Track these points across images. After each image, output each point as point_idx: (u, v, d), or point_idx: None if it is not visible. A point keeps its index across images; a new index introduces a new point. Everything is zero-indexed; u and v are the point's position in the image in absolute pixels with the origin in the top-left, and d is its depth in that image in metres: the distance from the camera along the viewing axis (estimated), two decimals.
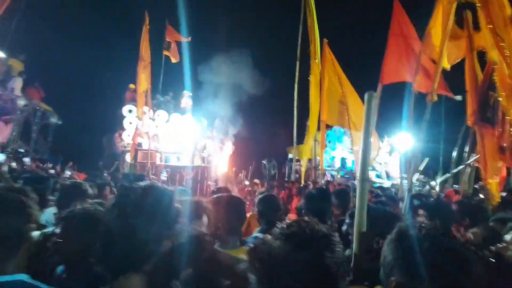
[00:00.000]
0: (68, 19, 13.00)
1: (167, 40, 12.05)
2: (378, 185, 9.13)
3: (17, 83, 9.61)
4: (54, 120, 11.27)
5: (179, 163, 10.36)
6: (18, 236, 1.05)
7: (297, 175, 12.43)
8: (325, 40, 7.16)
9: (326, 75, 7.19)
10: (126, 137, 10.73)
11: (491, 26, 2.97)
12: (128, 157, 9.76)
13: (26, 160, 7.36)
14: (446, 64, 4.31)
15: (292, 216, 3.34)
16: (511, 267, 1.24)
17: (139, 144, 9.40)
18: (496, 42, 2.94)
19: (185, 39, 12.02)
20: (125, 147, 10.67)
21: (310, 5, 7.47)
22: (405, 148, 6.78)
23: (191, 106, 12.40)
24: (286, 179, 11.01)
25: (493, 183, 3.23)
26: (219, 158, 11.68)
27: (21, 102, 9.46)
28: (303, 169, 11.36)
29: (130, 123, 11.08)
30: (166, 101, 12.33)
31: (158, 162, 9.74)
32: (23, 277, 1.02)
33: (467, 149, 5.58)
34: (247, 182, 9.09)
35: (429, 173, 10.88)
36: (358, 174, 1.49)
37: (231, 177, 10.61)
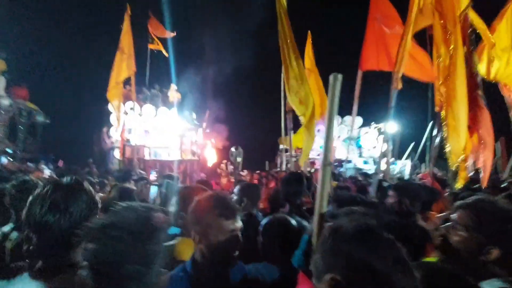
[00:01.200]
0: (50, 15, 12.69)
1: (152, 34, 11.89)
2: (363, 171, 9.28)
3: (0, 83, 9.49)
4: (41, 119, 11.17)
5: (168, 157, 10.39)
6: None
7: (289, 165, 12.53)
8: (309, 32, 7.08)
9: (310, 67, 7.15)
10: (114, 133, 10.70)
11: (442, 21, 3.07)
12: (117, 153, 9.77)
13: (4, 160, 7.33)
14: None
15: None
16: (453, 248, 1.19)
17: (128, 140, 9.39)
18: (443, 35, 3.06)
19: (169, 35, 11.86)
20: (113, 143, 10.66)
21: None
22: (390, 134, 6.87)
23: (179, 99, 12.35)
24: (278, 169, 11.12)
25: (462, 164, 3.33)
26: (209, 151, 11.73)
27: (5, 102, 9.35)
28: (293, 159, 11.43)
29: (116, 119, 11.01)
30: (153, 95, 12.27)
31: (147, 157, 9.76)
32: None
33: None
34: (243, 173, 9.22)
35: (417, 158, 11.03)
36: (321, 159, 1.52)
37: (221, 169, 10.69)
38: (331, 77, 1.49)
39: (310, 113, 4.36)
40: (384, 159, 5.41)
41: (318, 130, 13.83)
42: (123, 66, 6.86)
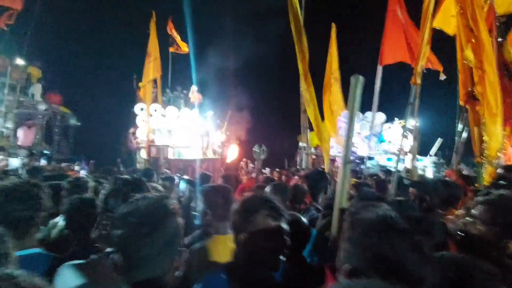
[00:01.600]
0: (81, 25, 13.55)
1: (172, 36, 12.25)
2: (385, 168, 9.05)
3: (37, 89, 10.26)
4: (73, 121, 11.95)
5: (191, 156, 10.74)
6: (27, 221, 1.30)
7: (309, 163, 12.47)
8: (333, 25, 6.94)
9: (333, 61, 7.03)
10: (140, 134, 11.21)
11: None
12: (143, 153, 10.24)
13: (44, 162, 7.95)
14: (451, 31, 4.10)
15: None
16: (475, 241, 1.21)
17: (152, 140, 9.83)
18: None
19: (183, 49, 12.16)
20: (139, 144, 11.18)
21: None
22: (413, 130, 6.70)
23: (200, 100, 12.68)
24: (298, 167, 11.14)
25: (491, 159, 3.24)
26: (229, 149, 11.95)
27: (42, 107, 10.11)
28: (313, 157, 11.39)
29: (143, 120, 11.55)
30: (175, 97, 12.69)
31: (170, 156, 10.15)
32: (39, 250, 1.29)
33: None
34: (254, 174, 9.31)
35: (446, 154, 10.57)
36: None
37: (241, 167, 10.87)
38: (352, 79, 1.52)
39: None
40: (408, 156, 5.32)
41: (340, 128, 13.65)
42: (150, 68, 7.25)
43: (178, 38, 12.29)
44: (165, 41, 12.22)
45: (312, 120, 5.96)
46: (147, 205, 0.96)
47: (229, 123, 13.55)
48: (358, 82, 1.63)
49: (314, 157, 16.44)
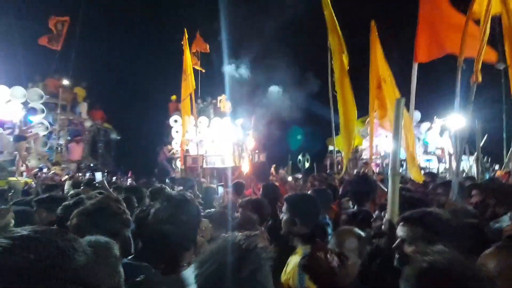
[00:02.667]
0: (119, 49, 14.73)
1: (193, 51, 12.71)
2: (429, 171, 8.57)
3: (83, 108, 11.25)
4: (114, 136, 12.88)
5: (223, 165, 11.04)
6: (116, 236, 1.48)
7: (339, 167, 12.26)
8: (373, 23, 6.74)
9: (374, 60, 6.78)
10: (175, 145, 11.78)
11: None
12: (178, 163, 10.75)
13: (98, 174, 8.63)
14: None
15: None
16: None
17: (187, 150, 10.28)
18: None
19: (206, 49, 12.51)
20: (174, 154, 11.75)
21: None
22: (456, 129, 6.30)
23: (229, 109, 13.03)
24: (327, 171, 10.98)
25: None
26: (257, 156, 12.09)
27: (88, 124, 11.06)
28: (344, 161, 11.14)
29: (177, 131, 12.14)
30: (205, 107, 13.17)
31: (204, 165, 10.52)
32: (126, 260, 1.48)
33: None
34: (290, 178, 9.32)
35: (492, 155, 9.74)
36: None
37: (271, 174, 10.91)
38: (395, 101, 1.69)
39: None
40: (449, 156, 5.06)
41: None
42: (186, 84, 7.69)
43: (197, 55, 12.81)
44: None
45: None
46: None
47: (255, 129, 13.72)
48: (400, 105, 1.71)
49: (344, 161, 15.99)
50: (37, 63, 11.07)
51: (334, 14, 5.08)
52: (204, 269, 0.90)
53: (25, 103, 9.53)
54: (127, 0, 15.58)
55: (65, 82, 10.72)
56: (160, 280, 1.16)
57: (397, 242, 1.40)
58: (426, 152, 11.82)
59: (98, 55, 13.51)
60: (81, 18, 10.76)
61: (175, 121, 12.22)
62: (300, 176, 12.01)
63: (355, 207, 2.55)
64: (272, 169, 12.37)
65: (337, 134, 10.56)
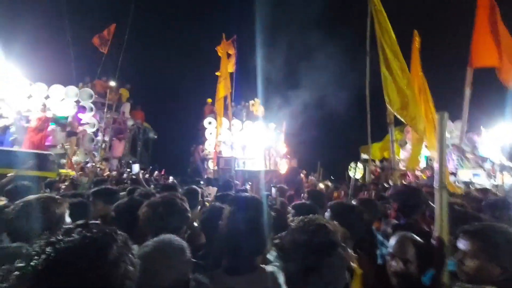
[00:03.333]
0: (159, 53, 15.66)
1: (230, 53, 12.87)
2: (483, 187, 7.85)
3: (126, 108, 12.03)
4: (151, 135, 13.57)
5: (255, 168, 11.12)
6: (177, 231, 1.53)
7: (373, 177, 11.74)
8: (415, 32, 6.50)
9: (415, 69, 6.51)
10: (208, 146, 12.09)
11: None
12: (211, 164, 11.01)
13: (135, 166, 9.15)
14: None
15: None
16: None
17: (220, 152, 10.51)
18: None
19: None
20: (207, 155, 12.06)
21: None
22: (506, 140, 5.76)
23: (262, 112, 13.11)
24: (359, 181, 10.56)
25: None
26: (287, 161, 12.00)
27: (130, 123, 11.80)
28: (378, 170, 10.62)
29: (210, 133, 12.47)
30: (238, 110, 13.40)
31: (236, 168, 10.67)
32: None
33: None
34: (321, 185, 9.10)
35: None
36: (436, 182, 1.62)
37: (302, 179, 10.75)
38: (438, 116, 1.60)
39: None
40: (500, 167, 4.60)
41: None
42: (221, 86, 7.89)
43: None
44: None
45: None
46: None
47: (286, 134, 13.66)
48: (443, 119, 1.63)
49: (379, 170, 15.33)
50: (87, 65, 12.10)
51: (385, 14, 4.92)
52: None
53: (76, 102, 10.44)
54: (168, 9, 16.52)
55: (112, 83, 11.55)
56: (226, 281, 1.19)
57: (458, 254, 1.42)
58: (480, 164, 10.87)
59: (141, 59, 14.44)
60: (127, 25, 11.55)
61: (209, 123, 12.57)
62: (329, 183, 11.70)
63: (401, 220, 2.42)
64: (303, 174, 12.22)
65: (372, 141, 10.15)
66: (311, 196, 3.00)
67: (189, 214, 1.62)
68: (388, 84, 5.42)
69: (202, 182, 7.20)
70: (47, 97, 10.03)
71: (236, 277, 1.21)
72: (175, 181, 6.55)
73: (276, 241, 1.13)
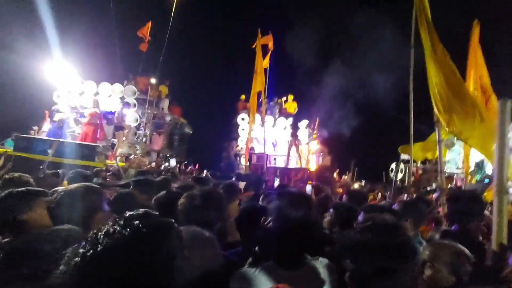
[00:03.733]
0: (196, 51, 16.23)
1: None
2: None
3: (165, 104, 12.68)
4: (187, 130, 14.16)
5: (286, 165, 11.05)
6: (213, 223, 1.57)
7: (413, 178, 10.96)
8: (476, 21, 5.85)
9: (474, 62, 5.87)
10: (240, 142, 12.28)
11: None
12: (243, 160, 11.17)
13: (172, 161, 9.60)
14: None
15: None
16: None
17: (252, 148, 10.60)
18: None
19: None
20: (239, 151, 12.26)
21: None
22: None
23: (295, 109, 12.95)
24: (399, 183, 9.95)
25: None
26: (321, 159, 11.70)
27: (168, 118, 12.44)
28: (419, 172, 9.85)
29: (243, 129, 12.64)
30: (271, 107, 13.37)
31: (267, 164, 10.70)
32: None
33: None
34: (356, 186, 8.75)
35: None
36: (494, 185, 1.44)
37: (334, 179, 10.44)
38: (498, 104, 1.41)
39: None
40: None
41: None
42: (257, 82, 7.92)
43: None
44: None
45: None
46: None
47: (319, 131, 13.31)
48: (505, 107, 1.44)
49: (420, 172, 14.31)
50: (130, 63, 12.94)
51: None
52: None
53: (121, 98, 11.26)
54: (205, 5, 16.99)
55: (153, 80, 12.23)
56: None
57: None
58: None
59: (179, 56, 15.09)
60: (167, 24, 12.08)
61: (242, 119, 12.73)
62: (363, 183, 11.20)
63: (454, 227, 2.22)
64: (335, 174, 11.86)
65: (415, 141, 9.47)
66: (351, 197, 2.87)
67: (226, 211, 1.65)
68: (434, 84, 4.92)
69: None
70: (96, 94, 10.96)
71: (288, 271, 1.22)
72: (208, 175, 6.75)
73: (342, 240, 1.12)
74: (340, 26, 12.91)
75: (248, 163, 10.17)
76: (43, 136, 8.95)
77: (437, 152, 9.42)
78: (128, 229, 0.66)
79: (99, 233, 0.67)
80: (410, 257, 0.96)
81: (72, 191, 1.37)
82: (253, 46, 9.28)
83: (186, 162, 12.56)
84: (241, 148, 12.15)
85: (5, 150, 7.84)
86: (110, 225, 0.68)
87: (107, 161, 8.31)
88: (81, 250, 0.66)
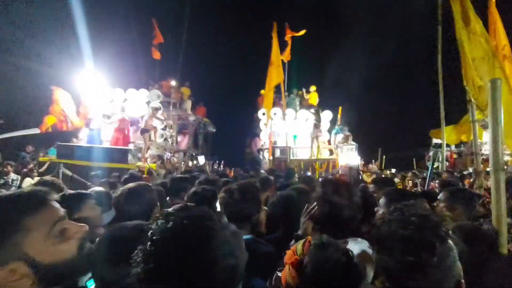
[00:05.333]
0: (216, 53, 16.55)
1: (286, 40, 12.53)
2: None
3: (188, 105, 13.08)
4: (211, 129, 14.53)
5: (309, 157, 10.99)
6: (249, 217, 1.65)
7: (447, 163, 10.44)
8: None
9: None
10: (263, 137, 12.37)
11: None
12: (266, 154, 11.28)
13: (200, 158, 9.91)
14: None
15: None
16: None
17: (275, 142, 10.66)
18: None
19: (300, 33, 12.07)
20: (262, 146, 12.37)
21: None
22: None
23: (317, 100, 12.76)
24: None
25: None
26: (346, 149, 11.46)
27: (191, 118, 12.84)
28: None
29: (264, 124, 12.69)
30: (291, 99, 13.30)
31: (292, 157, 10.71)
32: (250, 236, 1.66)
33: None
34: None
35: None
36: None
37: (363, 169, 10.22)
38: (490, 83, 1.45)
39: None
40: None
41: None
42: (274, 75, 7.92)
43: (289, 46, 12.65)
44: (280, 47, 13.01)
45: None
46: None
47: (342, 121, 13.01)
48: (496, 86, 1.45)
49: (455, 156, 13.55)
50: (154, 69, 13.48)
51: None
52: None
53: (147, 102, 11.80)
54: (222, 10, 17.18)
55: (173, 83, 12.65)
56: None
57: None
58: None
59: (198, 57, 15.47)
60: (184, 27, 12.43)
61: (263, 114, 12.79)
62: (393, 171, 10.84)
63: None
64: (361, 163, 11.57)
65: (446, 125, 8.96)
66: (378, 185, 2.83)
67: (261, 205, 1.74)
68: (466, 60, 4.59)
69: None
70: (124, 100, 11.57)
71: None
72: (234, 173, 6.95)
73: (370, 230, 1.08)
74: (360, 10, 12.47)
75: (271, 157, 10.26)
76: (82, 143, 9.68)
77: (467, 136, 8.85)
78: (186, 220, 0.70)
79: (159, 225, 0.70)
80: (439, 251, 0.87)
81: (132, 189, 1.49)
82: (286, 39, 9.23)
83: (211, 160, 12.93)
84: (264, 142, 12.25)
85: (49, 158, 8.62)
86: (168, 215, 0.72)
87: (138, 163, 8.80)
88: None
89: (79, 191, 1.88)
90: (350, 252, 1.03)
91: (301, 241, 1.08)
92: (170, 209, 0.75)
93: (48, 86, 8.81)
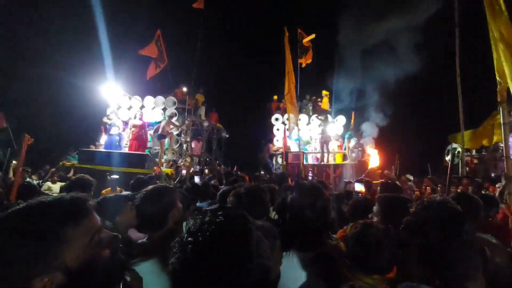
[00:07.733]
0: (229, 60, 16.87)
1: (305, 45, 12.53)
2: None
3: (202, 111, 13.35)
4: (224, 134, 14.72)
5: (322, 162, 10.92)
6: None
7: (467, 169, 10.09)
8: None
9: None
10: (276, 142, 12.41)
11: None
12: (280, 160, 11.30)
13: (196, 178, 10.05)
14: None
15: None
16: None
17: (288, 147, 10.68)
18: None
19: (310, 37, 12.02)
20: (275, 151, 12.40)
21: None
22: None
23: (329, 105, 12.71)
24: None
25: None
26: (363, 154, 11.29)
27: (205, 124, 13.07)
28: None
29: (278, 129, 12.76)
30: (304, 105, 13.29)
31: (305, 162, 10.68)
32: None
33: None
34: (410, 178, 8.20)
35: None
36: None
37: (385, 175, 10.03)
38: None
39: None
40: None
41: None
42: (288, 81, 8.01)
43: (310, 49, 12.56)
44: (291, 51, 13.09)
45: None
46: None
47: (355, 126, 12.84)
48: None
49: (475, 162, 13.05)
50: (169, 76, 13.88)
51: None
52: None
53: (163, 109, 12.15)
54: (234, 16, 17.53)
55: (184, 89, 12.97)
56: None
57: None
58: None
59: (212, 63, 15.80)
60: (197, 33, 12.71)
61: (276, 119, 12.87)
62: (411, 177, 10.56)
63: None
64: (377, 168, 11.34)
65: (466, 128, 8.67)
66: (384, 189, 2.81)
67: (269, 206, 1.80)
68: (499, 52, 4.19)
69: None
70: (142, 107, 11.96)
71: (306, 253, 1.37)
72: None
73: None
74: (375, 13, 12.39)
75: (285, 162, 10.28)
76: (101, 148, 10.07)
77: (495, 138, 8.57)
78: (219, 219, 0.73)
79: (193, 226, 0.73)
80: (458, 231, 1.01)
81: (152, 191, 1.56)
82: (304, 42, 9.27)
83: (223, 165, 13.09)
84: (277, 148, 12.29)
85: (72, 163, 9.03)
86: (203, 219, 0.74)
87: (155, 168, 9.05)
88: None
89: (118, 194, 2.01)
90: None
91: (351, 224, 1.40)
92: (208, 207, 0.80)
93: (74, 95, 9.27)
